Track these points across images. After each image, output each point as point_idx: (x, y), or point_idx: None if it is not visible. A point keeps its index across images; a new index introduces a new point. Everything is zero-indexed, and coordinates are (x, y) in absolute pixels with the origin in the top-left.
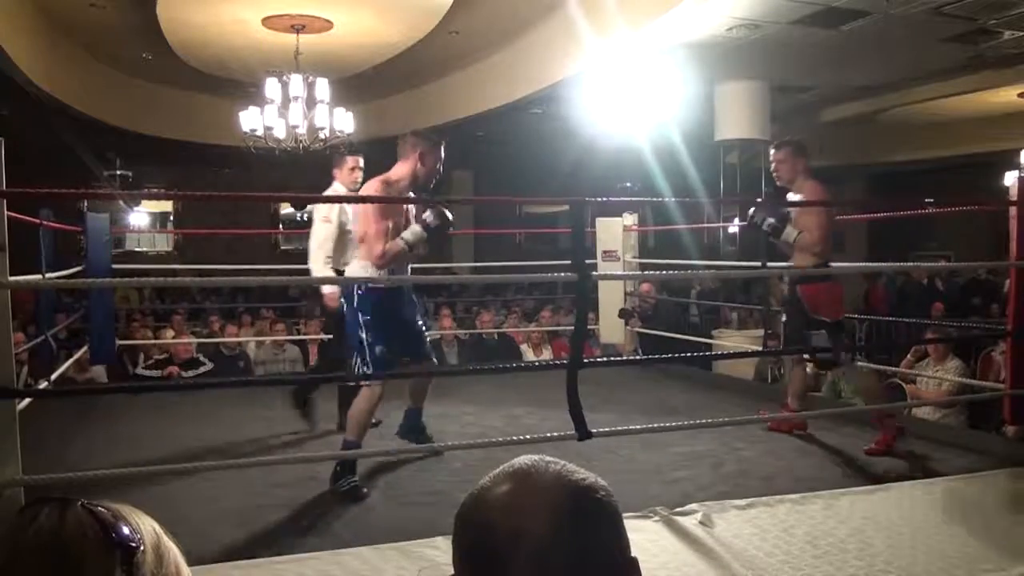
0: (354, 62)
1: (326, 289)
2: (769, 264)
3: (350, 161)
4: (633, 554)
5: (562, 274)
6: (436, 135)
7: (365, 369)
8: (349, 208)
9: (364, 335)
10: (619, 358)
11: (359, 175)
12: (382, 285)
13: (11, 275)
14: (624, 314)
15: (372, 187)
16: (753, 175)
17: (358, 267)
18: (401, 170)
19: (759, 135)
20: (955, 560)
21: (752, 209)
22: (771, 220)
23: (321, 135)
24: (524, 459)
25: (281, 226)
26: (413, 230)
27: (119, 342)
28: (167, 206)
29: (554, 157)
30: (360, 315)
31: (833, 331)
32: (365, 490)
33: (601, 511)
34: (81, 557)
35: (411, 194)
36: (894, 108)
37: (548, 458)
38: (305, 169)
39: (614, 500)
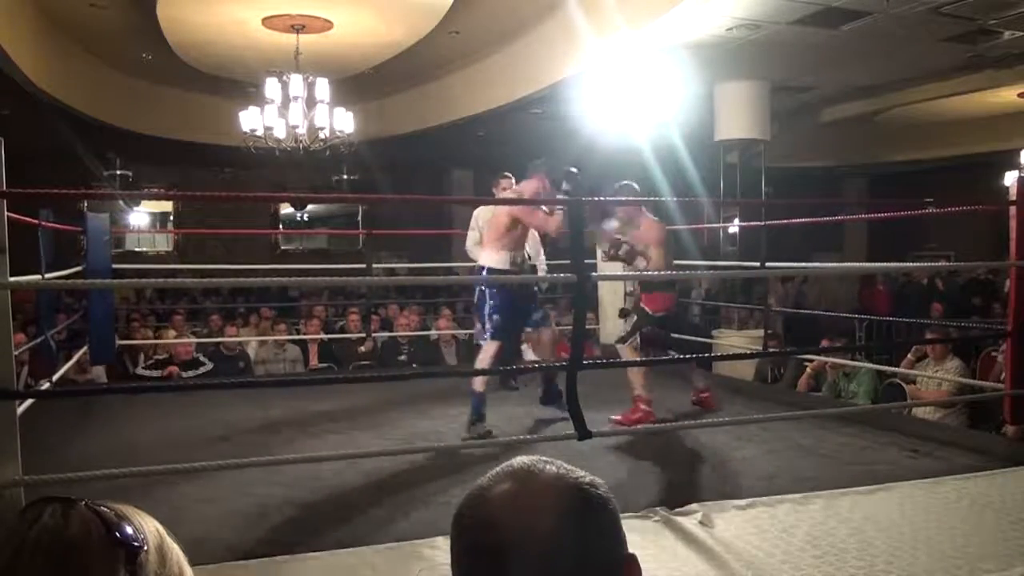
0: (354, 62)
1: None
2: (769, 264)
3: (503, 183)
4: (631, 551)
5: (561, 275)
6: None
7: (487, 333)
8: (480, 217)
9: (490, 309)
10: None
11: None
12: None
13: (11, 275)
14: (624, 314)
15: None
16: (753, 175)
17: (494, 257)
18: (530, 185)
19: (759, 135)
20: (956, 560)
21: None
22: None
23: (321, 135)
24: (522, 459)
25: (281, 226)
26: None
27: (119, 342)
28: (167, 206)
29: (554, 157)
30: (488, 294)
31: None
32: (493, 433)
33: (602, 509)
34: (85, 557)
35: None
36: (894, 108)
37: (544, 458)
38: (305, 169)
39: (612, 498)
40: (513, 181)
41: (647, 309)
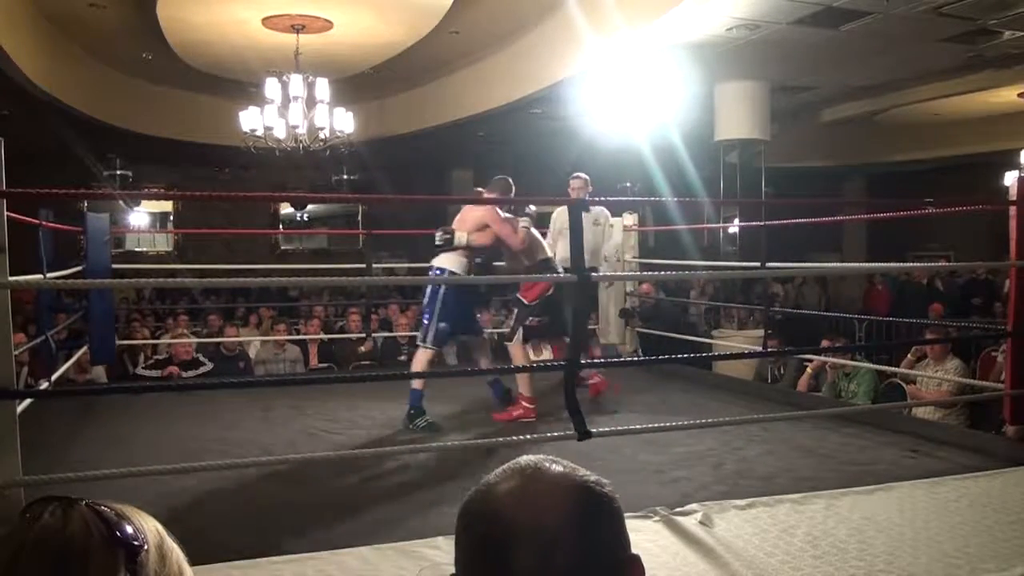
0: (354, 62)
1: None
2: (769, 264)
3: (573, 184)
4: (634, 552)
5: (561, 275)
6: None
7: (428, 334)
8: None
9: (437, 313)
10: (619, 358)
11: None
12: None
13: (11, 275)
14: (625, 314)
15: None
16: (753, 175)
17: (455, 262)
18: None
19: (759, 135)
20: (956, 560)
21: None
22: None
23: (321, 135)
24: (528, 457)
25: (281, 226)
26: None
27: (119, 342)
28: (167, 206)
29: (554, 157)
30: (441, 297)
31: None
32: (437, 425)
33: (607, 507)
34: (86, 556)
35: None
36: (894, 108)
37: (551, 457)
38: (305, 169)
39: (617, 497)
40: (586, 179)
41: (523, 299)
